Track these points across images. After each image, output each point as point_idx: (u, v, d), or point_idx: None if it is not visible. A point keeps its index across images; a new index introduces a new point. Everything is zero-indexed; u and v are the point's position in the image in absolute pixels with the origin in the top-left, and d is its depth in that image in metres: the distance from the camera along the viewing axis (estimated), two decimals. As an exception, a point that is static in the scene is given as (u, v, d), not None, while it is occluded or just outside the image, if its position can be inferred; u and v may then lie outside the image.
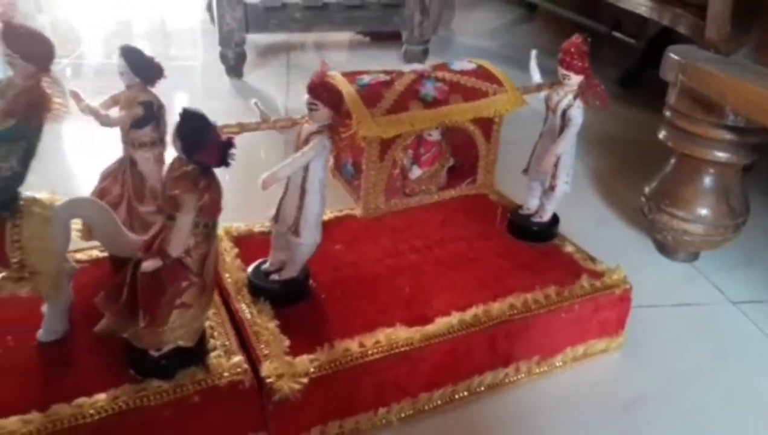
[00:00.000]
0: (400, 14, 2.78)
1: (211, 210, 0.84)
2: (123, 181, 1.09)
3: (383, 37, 3.21)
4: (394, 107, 1.02)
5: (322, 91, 0.97)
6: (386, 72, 1.09)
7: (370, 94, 1.02)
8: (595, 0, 3.35)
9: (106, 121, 1.02)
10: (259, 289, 1.07)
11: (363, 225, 1.24)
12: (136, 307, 0.86)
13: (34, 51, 0.82)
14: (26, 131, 0.83)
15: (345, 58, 3.27)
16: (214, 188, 0.84)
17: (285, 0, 2.62)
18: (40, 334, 0.95)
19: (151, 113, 1.04)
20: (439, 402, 1.06)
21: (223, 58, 2.63)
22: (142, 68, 1.03)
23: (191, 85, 2.70)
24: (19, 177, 0.85)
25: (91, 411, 0.83)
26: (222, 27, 2.57)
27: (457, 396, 1.07)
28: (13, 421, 0.80)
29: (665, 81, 1.40)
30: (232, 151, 0.82)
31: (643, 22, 2.99)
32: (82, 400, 0.84)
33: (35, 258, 0.87)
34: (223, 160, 0.82)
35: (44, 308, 0.98)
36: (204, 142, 0.80)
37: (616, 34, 3.36)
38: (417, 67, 1.10)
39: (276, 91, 2.60)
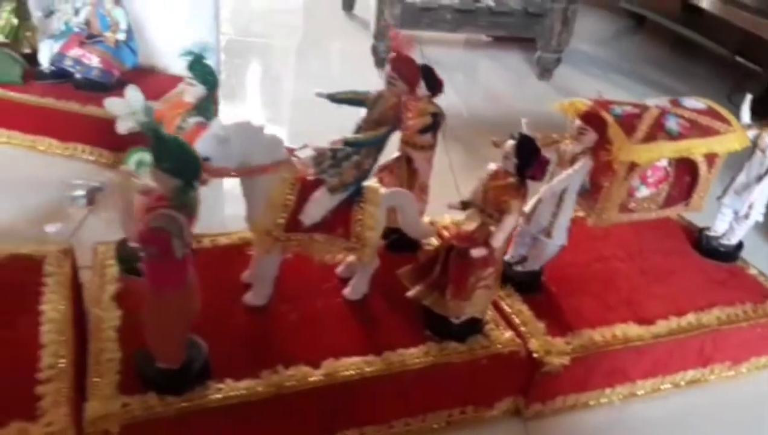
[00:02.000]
0: (541, 23, 2.92)
1: (521, 213, 1.05)
2: (398, 175, 1.30)
3: (503, 39, 3.34)
4: (646, 137, 1.20)
5: (593, 119, 1.16)
6: (632, 104, 1.27)
7: (626, 124, 1.21)
8: (718, 22, 3.41)
9: (402, 127, 1.23)
10: (505, 277, 1.27)
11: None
12: (444, 282, 1.08)
13: (411, 76, 1.03)
14: (386, 137, 1.04)
15: (463, 55, 3.40)
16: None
17: (440, 1, 2.80)
18: (349, 293, 1.17)
19: (436, 123, 1.24)
20: (649, 390, 1.25)
21: (374, 50, 2.82)
22: (434, 84, 1.23)
23: (341, 72, 2.90)
24: (371, 172, 1.07)
25: (413, 360, 1.05)
26: (379, 21, 2.76)
27: (662, 387, 1.27)
28: (357, 361, 1.03)
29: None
30: (549, 167, 1.02)
31: (772, 50, 3.05)
32: (401, 350, 1.06)
33: (368, 233, 1.08)
34: (544, 175, 1.02)
35: (338, 271, 1.21)
36: (535, 162, 1.00)
37: (740, 60, 3.43)
38: (658, 102, 1.28)
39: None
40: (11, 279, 1.10)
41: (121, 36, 1.88)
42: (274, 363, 1.00)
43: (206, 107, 1.12)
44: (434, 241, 1.34)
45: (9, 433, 0.84)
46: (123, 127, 1.76)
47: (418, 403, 1.08)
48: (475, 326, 1.11)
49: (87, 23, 1.87)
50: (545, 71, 3.03)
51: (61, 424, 0.86)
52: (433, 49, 3.22)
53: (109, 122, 1.77)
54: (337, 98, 1.11)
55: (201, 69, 1.10)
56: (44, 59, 1.87)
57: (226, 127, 0.96)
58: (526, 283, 1.26)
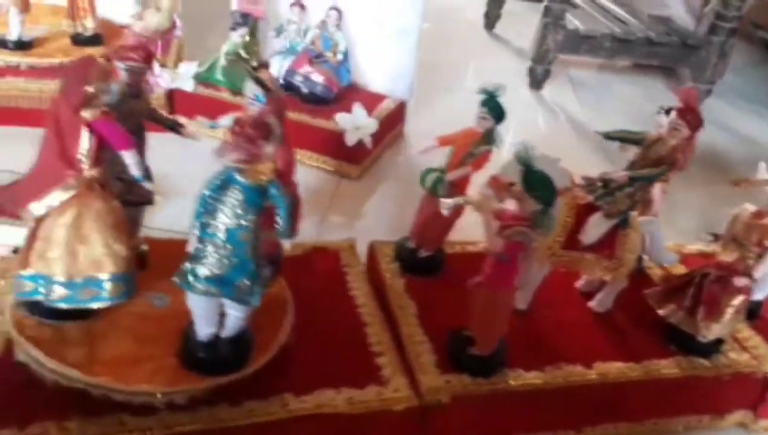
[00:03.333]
0: (697, 55, 2.99)
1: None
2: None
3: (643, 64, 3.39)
4: None
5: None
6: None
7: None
8: None
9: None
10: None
11: None
12: (694, 305, 1.23)
13: (696, 125, 1.19)
14: (662, 175, 1.21)
15: (604, 79, 3.45)
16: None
17: (601, 30, 2.93)
18: (595, 306, 1.34)
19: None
20: None
21: (532, 72, 2.97)
22: None
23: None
24: (639, 203, 1.24)
25: (667, 370, 1.21)
26: (540, 46, 2.91)
27: None
28: (621, 366, 1.20)
29: None
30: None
31: None
32: (656, 361, 1.22)
33: (627, 256, 1.25)
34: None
35: (578, 285, 1.38)
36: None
37: None
38: None
39: (571, 107, 2.89)
40: (321, 268, 1.33)
41: (340, 57, 2.13)
42: (554, 360, 1.18)
43: (493, 137, 1.31)
44: (651, 266, 1.49)
45: (368, 392, 1.06)
46: (351, 140, 2.00)
47: (665, 407, 1.24)
48: (717, 346, 1.26)
49: (312, 43, 2.13)
50: (695, 101, 3.08)
51: (405, 391, 1.07)
52: (575, 71, 3.32)
53: (334, 133, 2.02)
54: (611, 136, 1.27)
55: (494, 105, 1.28)
56: (274, 73, 2.14)
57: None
58: (750, 311, 1.38)
